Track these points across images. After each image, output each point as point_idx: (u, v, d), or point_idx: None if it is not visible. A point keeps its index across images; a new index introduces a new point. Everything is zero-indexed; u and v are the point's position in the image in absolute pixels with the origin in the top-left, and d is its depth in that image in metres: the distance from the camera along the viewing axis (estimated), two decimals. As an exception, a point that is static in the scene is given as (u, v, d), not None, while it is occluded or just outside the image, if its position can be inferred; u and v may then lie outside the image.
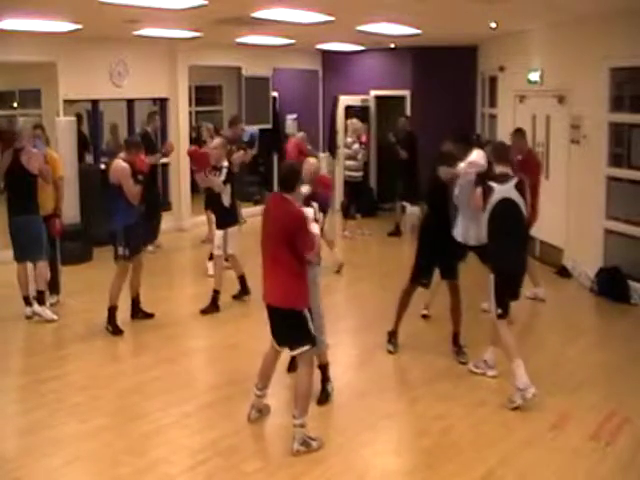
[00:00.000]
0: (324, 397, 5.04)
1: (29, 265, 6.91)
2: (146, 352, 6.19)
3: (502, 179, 5.15)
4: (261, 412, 4.86)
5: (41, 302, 6.87)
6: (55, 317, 6.85)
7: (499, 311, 5.16)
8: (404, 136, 11.10)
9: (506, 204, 5.10)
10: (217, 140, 7.49)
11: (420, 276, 5.93)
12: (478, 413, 4.95)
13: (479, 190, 5.20)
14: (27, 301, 6.88)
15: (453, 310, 5.91)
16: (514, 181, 5.16)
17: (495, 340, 5.43)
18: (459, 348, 5.86)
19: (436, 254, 5.86)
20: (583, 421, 4.79)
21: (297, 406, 4.42)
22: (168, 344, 6.38)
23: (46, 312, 6.85)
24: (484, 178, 5.31)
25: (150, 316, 6.93)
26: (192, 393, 5.30)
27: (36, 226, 6.77)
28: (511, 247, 5.19)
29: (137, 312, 6.91)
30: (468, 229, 5.74)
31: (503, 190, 5.11)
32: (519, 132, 7.67)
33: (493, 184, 5.13)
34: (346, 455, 4.41)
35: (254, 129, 11.68)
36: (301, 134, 10.68)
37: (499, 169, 5.23)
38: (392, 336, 6.09)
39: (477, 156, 5.56)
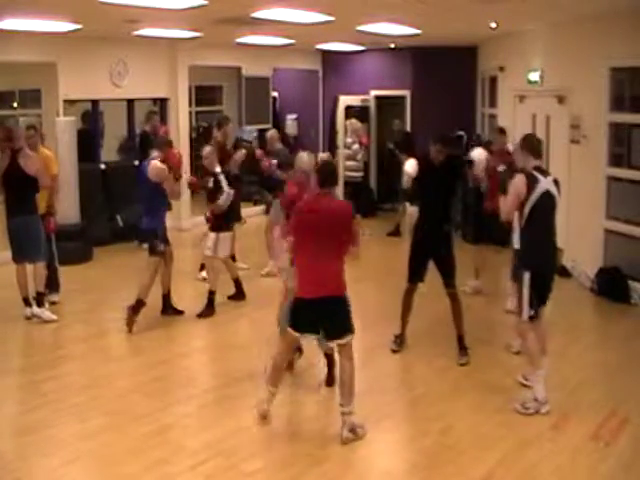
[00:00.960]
0: (332, 380, 5.30)
1: (28, 266, 6.90)
2: (146, 352, 6.18)
3: (542, 172, 4.93)
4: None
5: (40, 303, 6.84)
6: (54, 317, 6.83)
7: (532, 312, 4.91)
8: (401, 138, 11.12)
9: (548, 197, 4.86)
10: (207, 148, 7.42)
11: (412, 275, 5.94)
12: (478, 413, 4.95)
13: (522, 178, 4.85)
14: (27, 302, 6.86)
15: (455, 316, 5.86)
16: (552, 177, 4.99)
17: (545, 349, 5.17)
18: (463, 349, 5.82)
19: (427, 254, 5.85)
20: (583, 421, 4.79)
21: (344, 395, 4.55)
22: (168, 344, 6.39)
23: (45, 313, 6.82)
24: (514, 171, 5.12)
25: (180, 313, 6.98)
26: (192, 393, 5.30)
27: (34, 227, 6.75)
28: (548, 243, 5.01)
29: (167, 309, 6.97)
30: None
31: (546, 183, 4.87)
32: (503, 131, 7.95)
33: (538, 174, 4.85)
34: (346, 455, 4.41)
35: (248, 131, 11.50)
36: (270, 132, 10.18)
37: (533, 163, 4.93)
38: (398, 337, 6.09)
39: (408, 165, 5.85)
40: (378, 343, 6.25)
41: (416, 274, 5.93)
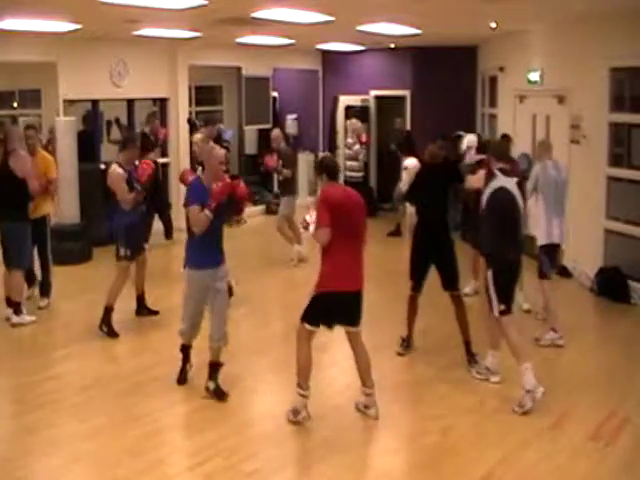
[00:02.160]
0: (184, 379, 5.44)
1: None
2: (146, 352, 6.18)
3: (504, 172, 5.20)
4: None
5: (17, 312, 6.73)
6: (33, 318, 6.76)
7: (502, 307, 5.02)
8: (403, 138, 11.12)
9: (503, 192, 5.10)
10: (197, 135, 7.29)
11: (414, 283, 5.88)
12: (478, 413, 4.95)
13: (482, 172, 5.29)
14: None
15: (459, 320, 5.77)
16: (516, 179, 5.27)
17: (494, 344, 5.39)
18: (471, 357, 5.69)
19: (428, 260, 5.79)
20: (583, 421, 4.79)
21: (367, 378, 4.83)
22: (167, 344, 6.36)
23: (25, 318, 6.73)
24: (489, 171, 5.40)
25: (155, 313, 6.95)
26: (192, 393, 5.29)
27: (20, 235, 6.65)
28: (506, 237, 5.13)
29: (142, 309, 6.94)
30: (552, 225, 6.13)
31: (505, 180, 5.15)
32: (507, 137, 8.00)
33: (497, 172, 5.18)
34: (346, 455, 4.41)
35: (230, 133, 11.46)
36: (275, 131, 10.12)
37: (498, 165, 5.24)
38: (405, 340, 6.05)
39: (409, 161, 5.84)
40: (377, 343, 6.22)
41: (418, 282, 5.86)
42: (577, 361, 5.93)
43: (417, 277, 5.86)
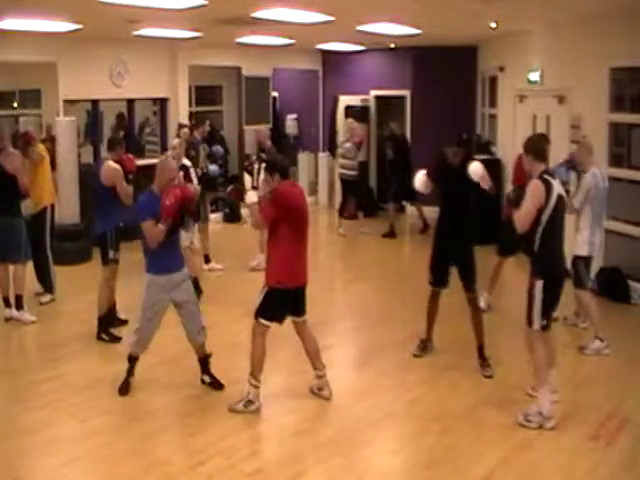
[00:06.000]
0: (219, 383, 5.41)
1: (10, 266, 6.83)
2: (146, 352, 6.16)
3: (551, 176, 4.72)
4: None
5: (19, 306, 6.74)
6: (34, 319, 6.75)
7: (544, 322, 4.75)
8: (397, 140, 11.12)
9: (561, 201, 4.68)
10: (176, 140, 7.61)
11: (433, 278, 5.81)
12: (478, 413, 4.95)
13: (539, 183, 4.60)
14: (7, 302, 6.81)
15: (474, 323, 5.71)
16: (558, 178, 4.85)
17: (551, 362, 4.94)
18: (484, 360, 5.65)
19: (450, 257, 5.72)
20: (583, 421, 4.79)
21: (319, 361, 5.14)
22: (168, 344, 6.36)
23: (24, 316, 6.73)
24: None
25: (124, 322, 6.69)
26: (192, 393, 5.30)
27: (15, 229, 6.67)
28: (561, 248, 4.86)
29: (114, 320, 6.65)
30: (595, 236, 6.04)
31: (557, 186, 4.65)
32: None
33: (550, 179, 4.64)
34: (346, 455, 4.41)
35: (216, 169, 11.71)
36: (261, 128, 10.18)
37: (541, 167, 4.71)
38: (423, 342, 6.00)
39: (417, 179, 5.84)
40: (377, 343, 6.25)
41: (438, 278, 5.79)
42: (577, 361, 5.93)
43: (436, 274, 5.80)
